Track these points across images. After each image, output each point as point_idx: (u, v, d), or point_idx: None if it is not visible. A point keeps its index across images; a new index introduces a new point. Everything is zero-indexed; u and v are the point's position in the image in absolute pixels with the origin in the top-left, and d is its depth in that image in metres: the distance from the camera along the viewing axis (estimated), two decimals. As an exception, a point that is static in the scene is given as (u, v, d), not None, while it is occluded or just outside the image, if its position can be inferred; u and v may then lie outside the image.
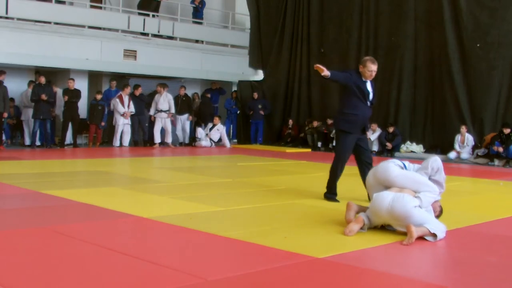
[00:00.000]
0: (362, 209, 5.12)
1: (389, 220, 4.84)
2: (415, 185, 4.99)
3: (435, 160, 5.19)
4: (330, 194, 6.66)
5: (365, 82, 6.47)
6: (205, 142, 15.28)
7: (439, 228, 4.70)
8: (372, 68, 6.37)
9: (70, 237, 4.44)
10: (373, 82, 6.63)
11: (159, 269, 3.63)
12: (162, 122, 14.86)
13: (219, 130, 15.47)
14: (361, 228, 4.85)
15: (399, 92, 14.81)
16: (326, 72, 6.11)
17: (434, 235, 4.64)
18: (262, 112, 16.67)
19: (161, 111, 14.77)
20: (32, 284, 3.30)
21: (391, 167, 5.23)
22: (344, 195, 6.81)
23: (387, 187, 5.11)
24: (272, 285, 3.47)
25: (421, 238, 4.64)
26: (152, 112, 14.83)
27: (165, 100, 14.81)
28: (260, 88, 17.28)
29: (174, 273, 3.56)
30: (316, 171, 10.33)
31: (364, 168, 6.53)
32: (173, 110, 14.96)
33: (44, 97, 12.81)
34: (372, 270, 3.85)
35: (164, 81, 15.70)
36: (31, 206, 5.89)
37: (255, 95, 16.71)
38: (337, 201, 6.57)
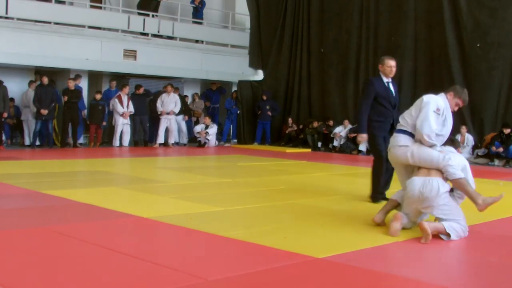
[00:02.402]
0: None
1: (419, 205, 4.85)
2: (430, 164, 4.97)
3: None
4: (377, 194, 6.59)
5: (388, 84, 6.61)
6: (202, 139, 15.32)
7: (456, 229, 4.72)
8: (390, 63, 6.58)
9: (70, 237, 4.44)
10: (396, 83, 6.80)
11: (159, 269, 3.63)
12: (167, 122, 14.84)
13: (212, 130, 15.48)
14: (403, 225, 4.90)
15: (399, 92, 14.75)
16: (363, 136, 6.59)
17: (448, 235, 4.67)
18: (269, 113, 16.67)
19: (168, 113, 14.75)
20: (32, 284, 3.31)
21: (398, 152, 5.25)
22: (350, 194, 6.81)
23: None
24: (272, 285, 3.47)
25: (422, 239, 4.65)
26: (159, 109, 14.76)
27: (172, 101, 14.80)
28: (260, 88, 17.28)
29: (174, 273, 3.56)
30: (316, 171, 10.33)
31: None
32: (177, 110, 14.95)
33: (44, 112, 12.86)
34: (372, 270, 3.85)
35: (163, 81, 15.70)
36: (31, 206, 5.89)
37: (264, 97, 16.71)
38: (387, 199, 6.29)
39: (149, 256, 3.93)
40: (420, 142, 5.06)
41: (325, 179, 9.08)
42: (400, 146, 5.15)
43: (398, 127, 5.31)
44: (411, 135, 5.16)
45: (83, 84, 14.91)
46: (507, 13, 13.12)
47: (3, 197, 6.27)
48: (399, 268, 4.04)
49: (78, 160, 11.34)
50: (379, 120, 6.56)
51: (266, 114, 16.62)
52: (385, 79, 6.63)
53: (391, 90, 6.65)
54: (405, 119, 5.23)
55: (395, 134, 5.31)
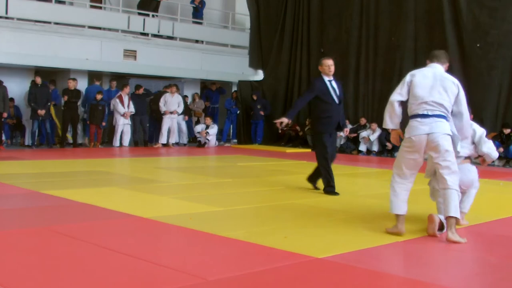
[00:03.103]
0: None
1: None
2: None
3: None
4: (330, 187, 7.17)
5: (330, 83, 7.16)
6: (202, 139, 15.33)
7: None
8: (328, 63, 7.14)
9: (70, 237, 4.44)
10: (339, 81, 7.36)
11: (159, 269, 3.63)
12: (169, 122, 14.82)
13: (212, 130, 15.49)
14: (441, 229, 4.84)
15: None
16: (284, 119, 7.08)
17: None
18: (262, 113, 16.67)
19: (171, 112, 14.74)
20: (32, 284, 3.30)
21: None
22: (350, 194, 6.81)
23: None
24: (272, 285, 3.47)
25: (422, 239, 4.65)
26: (163, 109, 14.76)
27: (175, 102, 14.79)
28: (260, 88, 17.28)
29: (174, 273, 3.56)
30: (316, 171, 10.31)
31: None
32: (180, 111, 14.97)
33: (41, 112, 12.86)
34: (372, 270, 3.85)
35: (163, 81, 15.69)
36: (31, 206, 5.89)
37: (254, 97, 16.71)
38: (337, 193, 7.07)
39: (149, 256, 3.92)
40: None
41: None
42: (449, 135, 4.78)
43: (435, 112, 4.78)
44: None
45: (83, 84, 14.93)
46: (507, 13, 13.11)
47: (3, 197, 6.27)
48: (399, 268, 4.04)
49: (78, 160, 11.33)
50: (326, 116, 7.10)
51: (258, 113, 16.63)
52: (326, 78, 7.14)
53: (333, 88, 7.16)
54: (441, 104, 4.79)
55: (439, 119, 4.77)
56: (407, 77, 5.06)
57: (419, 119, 4.81)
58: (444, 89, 4.85)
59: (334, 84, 7.17)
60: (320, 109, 7.13)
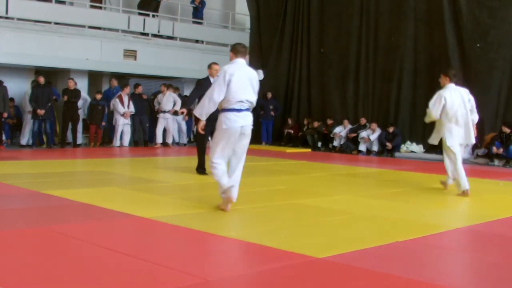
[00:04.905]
0: None
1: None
2: None
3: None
4: (203, 169, 8.64)
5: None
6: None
7: None
8: (216, 68, 8.43)
9: (70, 237, 4.44)
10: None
11: (159, 269, 3.63)
12: (164, 122, 14.83)
13: None
14: None
15: (399, 92, 14.80)
16: (184, 110, 9.20)
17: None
18: (272, 113, 16.67)
19: (164, 111, 14.74)
20: (32, 284, 3.30)
21: None
22: (350, 194, 6.80)
23: None
24: (272, 285, 3.47)
25: (422, 239, 4.65)
26: (156, 107, 14.78)
27: (168, 101, 14.76)
28: (260, 88, 17.26)
29: (174, 273, 3.56)
30: (316, 171, 10.32)
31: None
32: (178, 107, 14.95)
33: (40, 112, 12.85)
34: (372, 270, 3.85)
35: (163, 81, 15.68)
36: (31, 206, 5.89)
37: (269, 95, 16.70)
38: (206, 174, 8.30)
39: (149, 256, 3.92)
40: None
41: (325, 179, 9.08)
42: None
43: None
44: None
45: (83, 84, 14.93)
46: (507, 13, 13.12)
47: (3, 197, 6.26)
48: (399, 268, 4.03)
49: (78, 160, 11.34)
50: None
51: (269, 113, 16.63)
52: (212, 80, 8.11)
53: None
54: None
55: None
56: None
57: None
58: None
59: None
60: None
